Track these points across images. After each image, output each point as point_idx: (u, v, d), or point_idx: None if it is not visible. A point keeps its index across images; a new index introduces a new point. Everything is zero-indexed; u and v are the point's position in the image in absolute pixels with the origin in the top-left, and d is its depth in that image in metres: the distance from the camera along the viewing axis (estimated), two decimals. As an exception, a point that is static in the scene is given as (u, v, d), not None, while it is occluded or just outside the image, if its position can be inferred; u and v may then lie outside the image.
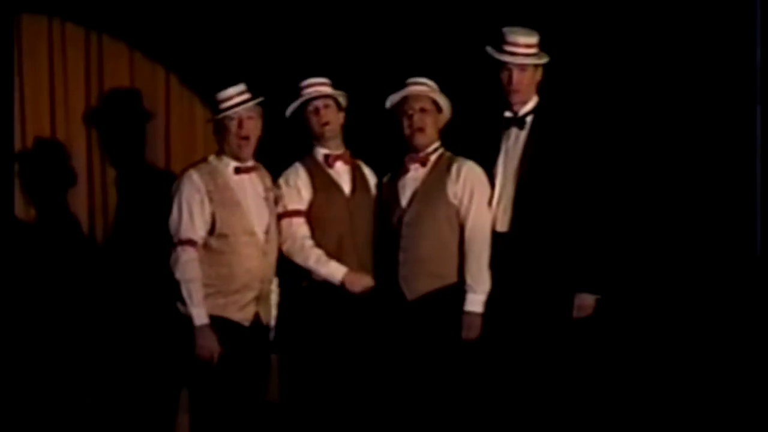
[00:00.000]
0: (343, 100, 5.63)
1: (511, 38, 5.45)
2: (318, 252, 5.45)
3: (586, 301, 5.37)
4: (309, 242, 5.47)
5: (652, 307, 6.02)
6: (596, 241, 5.35)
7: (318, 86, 5.58)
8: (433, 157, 5.54)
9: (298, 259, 5.46)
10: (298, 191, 5.52)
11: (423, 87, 5.55)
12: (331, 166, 5.58)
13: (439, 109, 5.57)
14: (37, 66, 6.19)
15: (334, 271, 5.43)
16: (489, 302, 5.43)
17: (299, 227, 5.49)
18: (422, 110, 5.51)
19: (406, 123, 5.51)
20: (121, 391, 6.21)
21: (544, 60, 5.50)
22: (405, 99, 5.52)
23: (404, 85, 5.56)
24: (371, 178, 5.69)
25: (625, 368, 5.98)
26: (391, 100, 5.55)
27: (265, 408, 5.53)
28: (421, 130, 5.50)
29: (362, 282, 5.44)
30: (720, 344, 5.94)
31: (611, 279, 5.41)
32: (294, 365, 5.51)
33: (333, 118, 5.58)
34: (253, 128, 5.41)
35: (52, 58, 6.23)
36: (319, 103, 5.55)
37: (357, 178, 5.62)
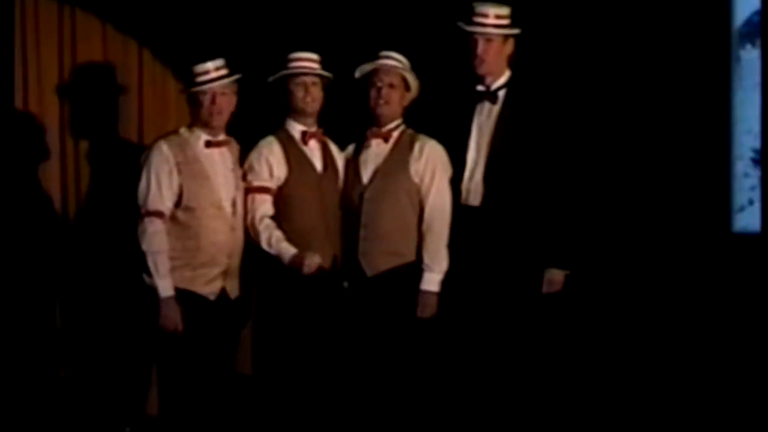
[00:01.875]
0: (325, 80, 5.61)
1: (479, 9, 5.45)
2: (269, 233, 5.39)
3: (555, 276, 5.38)
4: (266, 221, 5.42)
5: (622, 284, 6.05)
6: (566, 217, 5.36)
7: (309, 62, 5.55)
8: (395, 134, 5.54)
9: (253, 236, 5.42)
10: (270, 168, 5.47)
11: (395, 62, 5.53)
12: (306, 143, 5.55)
13: (407, 87, 5.55)
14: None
15: (283, 252, 5.37)
16: (459, 275, 5.42)
17: (261, 204, 5.44)
18: (391, 85, 5.50)
19: (373, 94, 5.50)
20: (93, 365, 6.20)
21: (512, 32, 5.48)
22: (375, 71, 5.51)
23: (376, 57, 5.55)
24: (338, 157, 5.65)
25: (593, 344, 6.01)
26: (361, 70, 5.53)
27: (237, 381, 5.55)
28: (387, 103, 5.49)
29: (310, 262, 5.35)
30: (692, 321, 5.97)
31: (581, 255, 5.41)
32: (265, 338, 5.48)
33: (318, 97, 5.55)
34: (227, 104, 5.40)
35: (24, 33, 6.19)
36: (308, 79, 5.52)
37: (327, 155, 5.59)
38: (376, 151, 5.54)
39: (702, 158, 6.06)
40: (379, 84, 5.49)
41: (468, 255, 5.42)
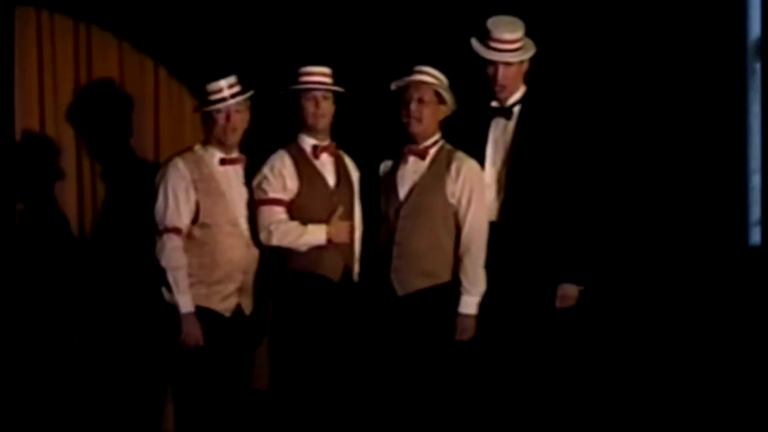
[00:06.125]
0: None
1: (496, 34, 5.43)
2: (292, 225, 5.41)
3: (569, 291, 5.37)
4: (283, 220, 5.42)
5: (636, 299, 6.02)
6: (581, 232, 5.35)
7: (321, 77, 5.54)
8: (432, 151, 5.47)
9: (275, 241, 5.40)
10: (284, 180, 5.47)
11: (427, 77, 5.46)
12: (317, 157, 5.54)
13: (441, 101, 5.49)
14: (26, 57, 6.19)
15: (316, 234, 5.40)
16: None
17: (276, 214, 5.42)
18: (420, 100, 5.42)
19: (404, 111, 5.44)
20: (109, 382, 6.23)
21: (529, 54, 5.48)
22: (407, 86, 5.46)
23: (410, 72, 5.50)
24: (353, 171, 5.65)
25: (608, 360, 5.98)
26: (396, 85, 5.49)
27: (253, 397, 5.55)
28: (418, 120, 5.43)
29: (344, 229, 5.44)
30: (707, 335, 5.94)
31: (595, 270, 5.40)
32: (284, 354, 5.49)
33: (329, 111, 5.55)
34: (241, 121, 5.42)
35: (41, 50, 6.22)
36: (319, 94, 5.51)
37: (340, 170, 5.58)
38: (413, 168, 5.48)
39: (718, 172, 6.03)
40: (409, 99, 5.42)
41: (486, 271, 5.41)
